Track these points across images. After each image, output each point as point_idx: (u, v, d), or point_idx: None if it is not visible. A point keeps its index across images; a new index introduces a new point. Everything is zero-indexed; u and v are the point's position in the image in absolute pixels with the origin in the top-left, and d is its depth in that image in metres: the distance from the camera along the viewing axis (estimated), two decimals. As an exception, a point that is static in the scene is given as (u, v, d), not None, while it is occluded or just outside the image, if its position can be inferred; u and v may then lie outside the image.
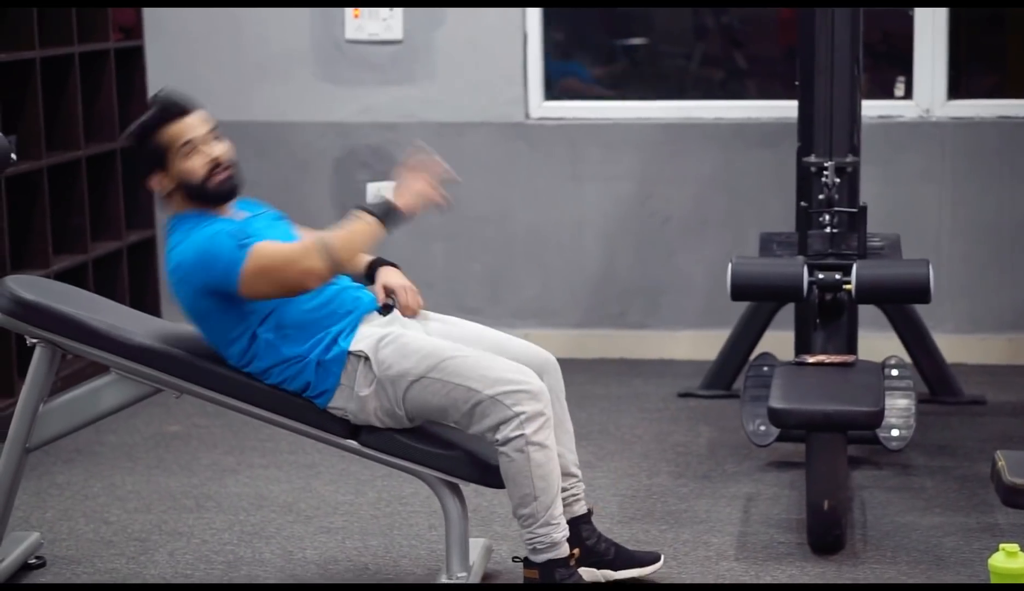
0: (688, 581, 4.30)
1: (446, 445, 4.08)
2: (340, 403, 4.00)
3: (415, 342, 4.00)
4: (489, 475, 4.05)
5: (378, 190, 6.55)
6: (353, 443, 4.07)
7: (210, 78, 6.82)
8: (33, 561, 4.44)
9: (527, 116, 6.73)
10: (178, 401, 4.43)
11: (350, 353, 3.98)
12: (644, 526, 4.73)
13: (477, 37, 6.68)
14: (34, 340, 4.11)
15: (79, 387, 4.19)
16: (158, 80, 6.76)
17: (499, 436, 3.91)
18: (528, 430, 3.89)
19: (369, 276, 4.30)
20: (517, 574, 4.27)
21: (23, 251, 5.86)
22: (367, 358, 3.97)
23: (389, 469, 4.28)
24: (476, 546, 4.31)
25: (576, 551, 4.08)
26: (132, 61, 6.66)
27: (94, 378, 4.19)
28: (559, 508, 3.97)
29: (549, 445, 3.93)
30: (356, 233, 3.99)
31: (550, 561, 3.98)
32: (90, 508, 4.95)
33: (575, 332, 6.76)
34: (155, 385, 4.11)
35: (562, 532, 3.98)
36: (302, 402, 4.04)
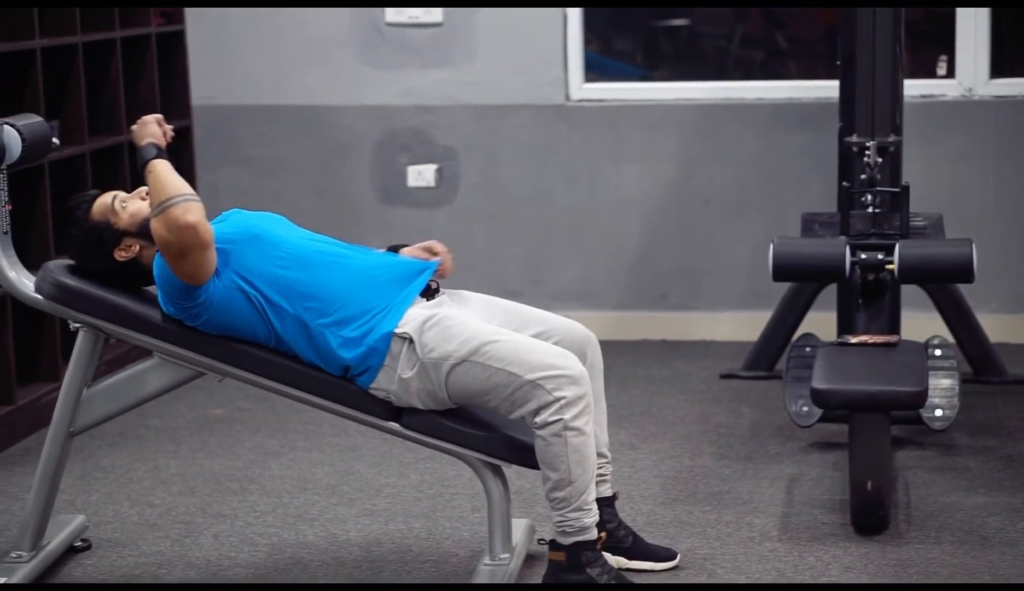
0: (731, 562, 4.30)
1: (488, 427, 4.08)
2: (383, 385, 4.01)
3: (459, 325, 4.00)
4: (531, 457, 4.05)
5: (419, 173, 6.57)
6: (395, 425, 4.08)
7: (250, 62, 6.84)
8: (79, 544, 4.47)
9: (567, 98, 6.72)
10: (221, 385, 4.43)
11: (395, 335, 3.98)
12: (687, 507, 4.72)
13: (517, 19, 6.68)
14: (77, 324, 4.13)
15: (123, 371, 4.21)
16: (199, 64, 6.79)
17: (538, 420, 3.91)
18: (567, 415, 3.89)
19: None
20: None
21: (67, 235, 5.87)
22: (411, 340, 3.97)
23: (431, 451, 4.29)
24: (519, 527, 4.31)
25: (603, 535, 4.08)
26: (173, 45, 6.68)
27: (137, 362, 4.21)
28: (592, 493, 3.97)
29: (587, 431, 3.92)
30: (153, 182, 3.95)
31: (577, 544, 3.98)
32: (135, 491, 4.98)
33: (616, 314, 6.75)
34: (198, 369, 4.12)
35: (593, 517, 3.98)
36: (345, 384, 4.05)
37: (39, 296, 4.09)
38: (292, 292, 4.00)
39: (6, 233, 4.07)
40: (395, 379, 3.99)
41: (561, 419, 3.89)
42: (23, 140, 4.14)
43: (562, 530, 3.98)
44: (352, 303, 4.01)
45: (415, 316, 4.01)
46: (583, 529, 3.97)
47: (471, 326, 4.01)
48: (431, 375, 3.96)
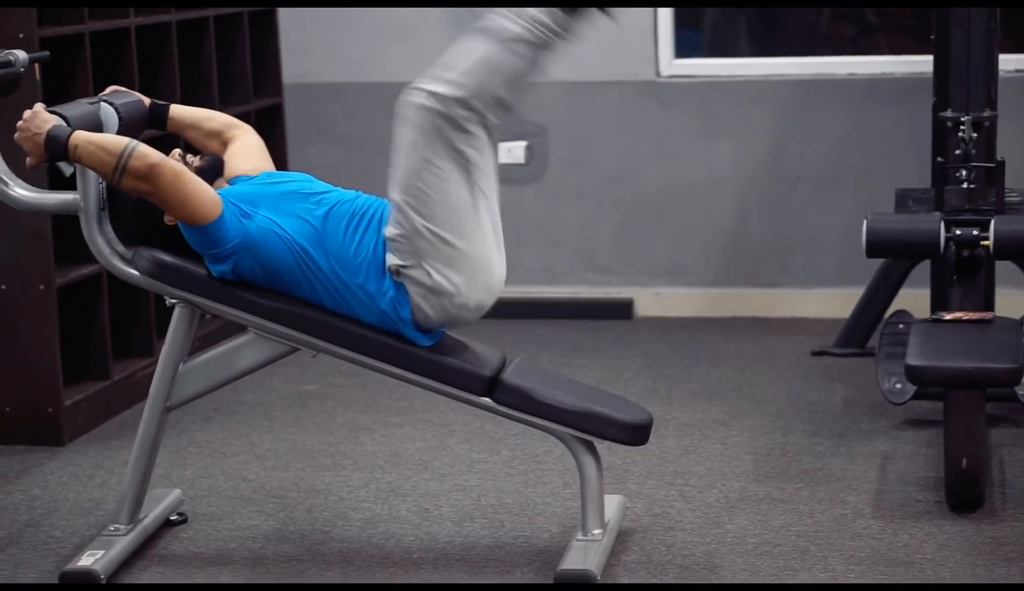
0: (824, 539, 4.28)
1: (581, 402, 4.08)
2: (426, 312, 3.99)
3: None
4: (624, 432, 4.05)
5: (508, 150, 6.57)
6: (488, 401, 4.09)
7: (341, 39, 6.86)
8: (175, 517, 4.51)
9: (658, 74, 6.70)
10: (313, 360, 4.46)
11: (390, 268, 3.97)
12: (779, 484, 4.71)
13: (607, -5, 6.65)
14: (173, 300, 4.16)
15: (218, 347, 4.24)
16: (290, 41, 6.82)
17: (448, 111, 3.85)
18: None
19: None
20: (652, 533, 4.29)
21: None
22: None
23: (523, 427, 4.30)
24: (611, 503, 4.31)
25: None
26: (265, 23, 6.72)
27: (232, 337, 4.25)
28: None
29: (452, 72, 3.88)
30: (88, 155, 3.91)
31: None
32: (229, 466, 5.02)
33: (707, 291, 6.73)
34: (292, 344, 4.15)
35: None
36: (437, 359, 4.06)
37: (135, 271, 4.13)
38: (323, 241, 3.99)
39: (103, 209, 4.11)
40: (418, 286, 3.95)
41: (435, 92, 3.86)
42: (120, 118, 4.18)
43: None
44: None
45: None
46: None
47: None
48: (426, 250, 3.92)
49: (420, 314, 3.98)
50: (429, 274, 3.93)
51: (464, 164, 3.89)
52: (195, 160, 4.14)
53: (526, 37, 3.87)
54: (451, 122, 3.85)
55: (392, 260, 3.94)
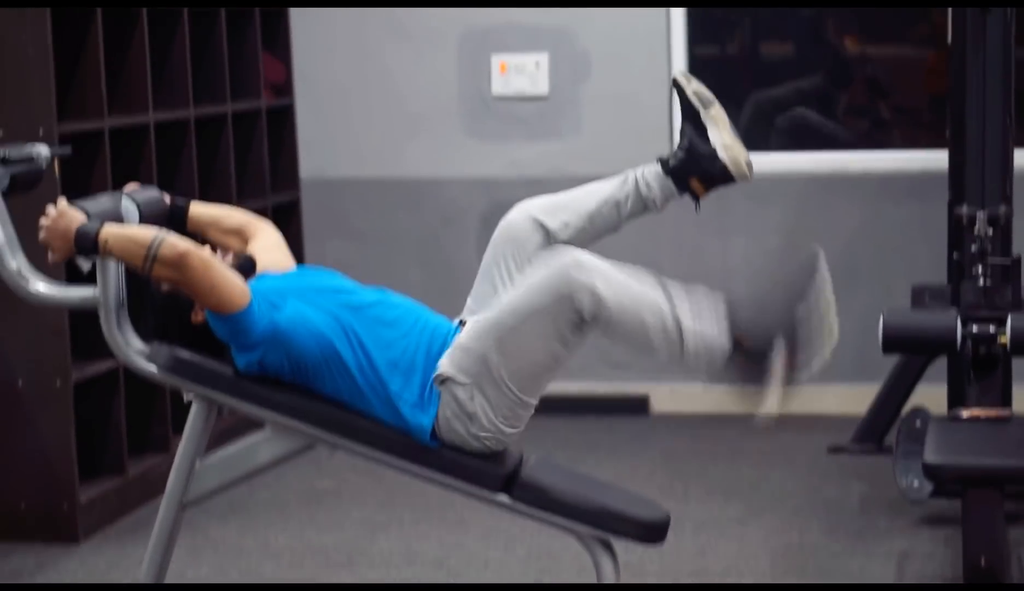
0: (843, 639, 4.26)
1: (597, 500, 4.06)
2: (452, 429, 3.94)
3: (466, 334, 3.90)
4: (641, 531, 4.03)
5: None
6: (504, 497, 4.06)
7: (359, 134, 6.90)
8: (189, 615, 4.49)
9: (673, 169, 6.71)
10: (329, 457, 4.45)
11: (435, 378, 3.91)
12: (797, 584, 4.68)
13: (623, 90, 6.70)
14: (191, 396, 4.15)
15: (235, 443, 4.23)
16: (308, 137, 6.86)
17: (587, 317, 3.80)
18: (598, 287, 3.78)
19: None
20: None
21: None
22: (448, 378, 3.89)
23: (539, 524, 4.27)
24: (628, 602, 4.28)
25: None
26: (283, 119, 6.77)
27: (248, 434, 4.24)
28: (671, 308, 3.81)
29: (614, 287, 3.80)
30: (120, 248, 3.90)
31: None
32: (244, 564, 5.00)
33: (722, 386, 6.70)
34: (309, 440, 4.13)
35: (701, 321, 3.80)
36: (453, 456, 4.04)
37: (154, 368, 4.13)
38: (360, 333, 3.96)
39: (123, 305, 4.11)
40: (461, 416, 3.93)
41: (596, 295, 3.77)
42: (140, 213, 4.19)
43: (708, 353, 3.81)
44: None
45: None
46: (710, 338, 3.80)
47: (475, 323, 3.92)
48: (486, 383, 3.87)
49: (444, 426, 3.93)
50: (473, 399, 3.89)
51: (563, 341, 3.86)
52: (228, 258, 4.14)
53: (687, 341, 3.81)
54: (580, 315, 3.82)
55: (447, 368, 3.88)
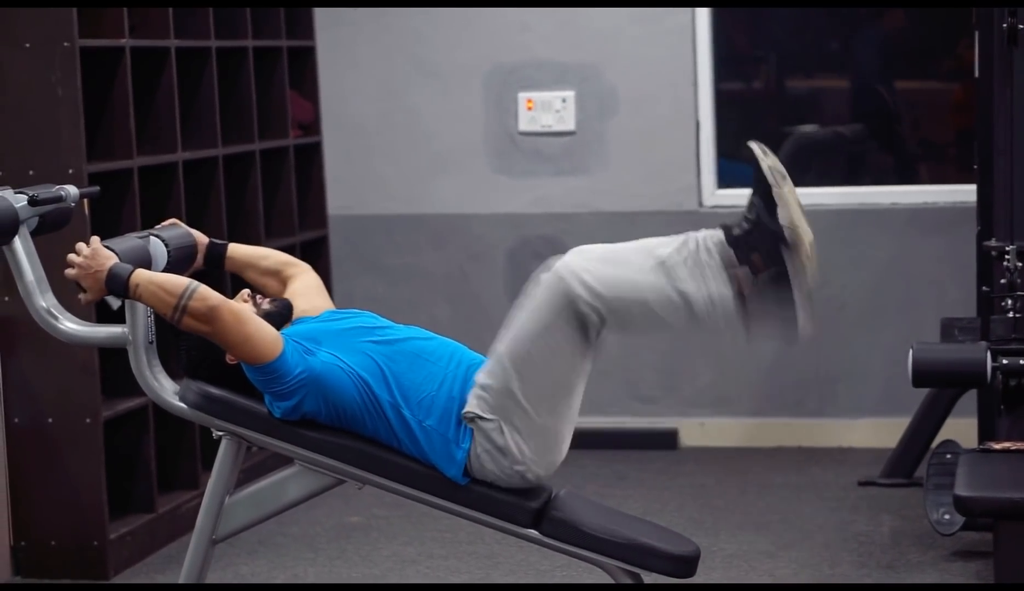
0: (875, 673, 4.24)
1: (627, 534, 4.06)
2: (485, 465, 3.94)
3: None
4: (672, 564, 4.02)
5: None
6: (534, 532, 4.06)
7: (386, 171, 6.93)
8: (220, 652, 4.49)
9: (700, 204, 6.73)
10: (358, 492, 4.45)
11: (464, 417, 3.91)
12: (828, 617, 4.67)
13: (649, 126, 6.72)
14: (220, 433, 4.17)
15: (264, 479, 4.24)
16: (336, 174, 6.89)
17: (592, 320, 3.77)
18: (598, 287, 3.76)
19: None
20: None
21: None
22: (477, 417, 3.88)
23: (568, 558, 4.26)
24: (658, 637, 4.27)
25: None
26: (310, 156, 6.79)
27: (278, 470, 4.24)
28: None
29: (607, 282, 3.76)
30: (150, 296, 3.94)
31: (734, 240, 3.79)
32: (274, 599, 5.01)
33: (752, 421, 6.71)
34: (338, 476, 4.14)
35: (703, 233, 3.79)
36: (483, 491, 4.04)
37: (183, 405, 4.14)
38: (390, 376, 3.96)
39: (151, 343, 4.13)
40: (492, 451, 3.91)
41: (593, 296, 3.75)
42: (169, 252, 4.21)
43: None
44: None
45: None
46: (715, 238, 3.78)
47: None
48: (513, 414, 3.86)
49: (476, 464, 3.92)
50: (503, 433, 3.87)
51: (578, 350, 3.86)
52: (264, 303, 4.13)
53: (695, 304, 3.78)
54: (584, 317, 3.82)
55: (472, 407, 3.88)
